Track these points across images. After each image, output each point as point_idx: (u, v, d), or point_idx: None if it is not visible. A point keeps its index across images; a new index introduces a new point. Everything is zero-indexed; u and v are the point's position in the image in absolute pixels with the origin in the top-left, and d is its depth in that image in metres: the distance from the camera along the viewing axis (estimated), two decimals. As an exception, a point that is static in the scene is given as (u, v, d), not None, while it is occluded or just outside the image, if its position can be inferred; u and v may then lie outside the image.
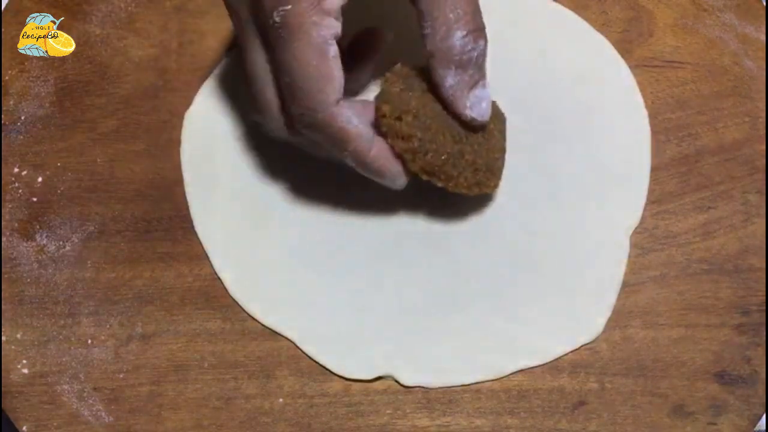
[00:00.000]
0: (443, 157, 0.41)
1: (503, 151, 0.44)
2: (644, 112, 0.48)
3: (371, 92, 0.45)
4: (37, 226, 0.46)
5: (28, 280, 0.45)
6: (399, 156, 0.41)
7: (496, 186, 0.44)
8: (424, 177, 0.42)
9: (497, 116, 0.44)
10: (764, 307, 0.44)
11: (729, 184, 0.46)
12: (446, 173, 0.41)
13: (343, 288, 0.45)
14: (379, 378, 0.43)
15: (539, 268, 0.45)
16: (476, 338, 0.44)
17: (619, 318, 0.44)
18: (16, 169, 0.47)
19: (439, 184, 0.42)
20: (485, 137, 0.42)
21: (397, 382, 0.43)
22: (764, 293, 0.44)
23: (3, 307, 0.45)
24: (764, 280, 0.44)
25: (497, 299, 0.44)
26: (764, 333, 0.43)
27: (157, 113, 0.48)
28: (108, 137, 0.48)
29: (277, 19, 0.37)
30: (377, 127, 0.41)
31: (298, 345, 0.44)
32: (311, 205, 0.46)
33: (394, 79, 0.42)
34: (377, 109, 0.41)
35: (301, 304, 0.44)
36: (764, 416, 0.43)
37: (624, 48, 0.49)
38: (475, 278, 0.45)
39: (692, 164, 0.47)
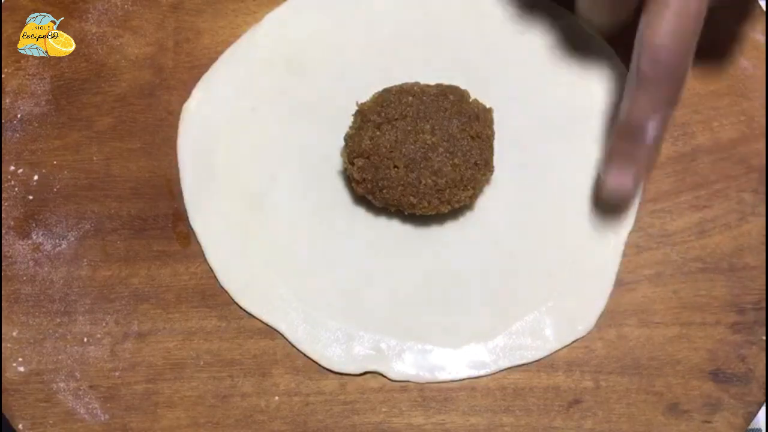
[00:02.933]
0: (399, 189, 0.43)
1: (482, 156, 0.43)
2: (640, 111, 0.48)
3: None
4: (33, 224, 0.46)
5: (24, 278, 0.45)
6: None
7: (471, 197, 0.44)
8: (392, 209, 0.44)
9: (475, 118, 0.44)
10: (759, 306, 0.44)
11: (724, 183, 0.46)
12: (408, 202, 0.43)
13: (335, 284, 0.45)
14: (366, 372, 0.43)
15: (532, 265, 0.45)
16: (467, 334, 0.44)
17: (614, 316, 0.44)
18: (12, 167, 0.47)
19: (407, 212, 0.44)
20: (450, 152, 0.43)
21: (384, 376, 0.43)
22: (758, 292, 0.44)
23: (-1, 305, 0.45)
24: (759, 279, 0.44)
25: (489, 296, 0.44)
26: (759, 331, 0.44)
27: (153, 111, 0.48)
28: (104, 135, 0.48)
29: None
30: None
31: (287, 338, 0.44)
32: (306, 202, 0.46)
33: (355, 117, 0.44)
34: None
35: (294, 299, 0.44)
36: (759, 414, 0.43)
37: (620, 47, 0.49)
38: (467, 275, 0.45)
39: (688, 163, 0.47)
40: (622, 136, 0.42)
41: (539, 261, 0.45)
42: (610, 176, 0.42)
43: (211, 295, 0.45)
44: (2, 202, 0.47)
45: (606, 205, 0.44)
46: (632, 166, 0.42)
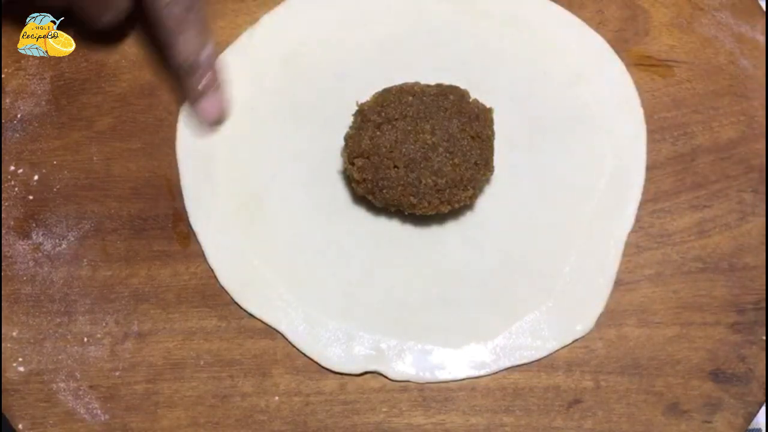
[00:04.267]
0: (399, 189, 0.43)
1: (482, 156, 0.44)
2: (640, 111, 0.48)
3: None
4: (33, 224, 0.46)
5: (24, 278, 0.45)
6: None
7: (470, 197, 0.44)
8: (392, 209, 0.44)
9: (475, 118, 0.44)
10: (759, 306, 0.44)
11: (724, 183, 0.46)
12: (408, 202, 0.43)
13: (334, 284, 0.45)
14: (366, 372, 0.43)
15: (532, 265, 0.45)
16: (467, 334, 0.44)
17: (614, 316, 0.44)
18: (12, 167, 0.47)
19: (407, 212, 0.44)
20: (451, 152, 0.43)
21: (384, 376, 0.43)
22: (758, 292, 0.44)
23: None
24: (759, 279, 0.44)
25: (489, 296, 0.44)
26: (759, 331, 0.44)
27: (153, 111, 0.48)
28: (104, 135, 0.48)
29: None
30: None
31: (287, 338, 0.44)
32: (306, 202, 0.46)
33: (355, 117, 0.44)
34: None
35: (293, 299, 0.44)
36: (759, 414, 0.43)
37: (620, 47, 0.49)
38: (467, 275, 0.45)
39: (688, 163, 0.47)
40: (187, 77, 0.45)
41: (539, 261, 0.45)
42: (203, 112, 0.46)
43: (211, 295, 0.45)
44: (2, 202, 0.47)
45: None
46: (214, 92, 0.46)
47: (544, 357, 0.43)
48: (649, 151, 0.47)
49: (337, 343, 0.44)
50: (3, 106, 0.48)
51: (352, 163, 0.44)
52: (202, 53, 0.45)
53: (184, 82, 0.46)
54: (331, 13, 0.50)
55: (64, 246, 0.46)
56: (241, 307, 0.45)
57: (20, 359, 0.44)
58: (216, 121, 0.46)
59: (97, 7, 0.44)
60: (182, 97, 0.48)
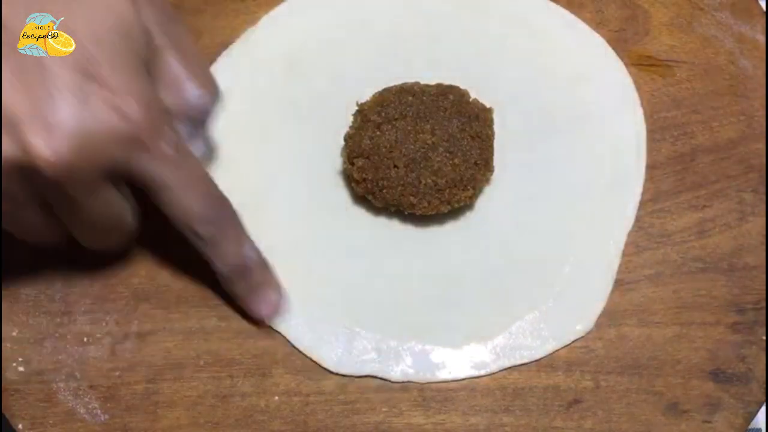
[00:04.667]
0: (399, 189, 0.43)
1: (482, 156, 0.44)
2: (640, 111, 0.48)
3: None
4: (33, 224, 0.46)
5: (24, 278, 0.45)
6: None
7: (471, 197, 0.44)
8: (392, 209, 0.44)
9: (475, 118, 0.44)
10: (759, 306, 0.44)
11: (724, 183, 0.46)
12: (408, 202, 0.43)
13: (335, 284, 0.45)
14: (366, 375, 0.43)
15: (532, 264, 0.45)
16: (467, 334, 0.44)
17: (614, 316, 0.44)
18: (12, 167, 0.47)
19: (407, 212, 0.44)
20: (451, 152, 0.43)
21: (385, 378, 0.43)
22: (758, 292, 0.44)
23: (-1, 305, 0.45)
24: (759, 279, 0.44)
25: (489, 296, 0.44)
26: (759, 331, 0.44)
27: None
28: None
29: None
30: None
31: (289, 339, 0.44)
32: (306, 202, 0.46)
33: (355, 117, 0.44)
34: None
35: (294, 300, 0.44)
36: (759, 414, 0.43)
37: (619, 47, 0.49)
38: (467, 275, 0.45)
39: (687, 163, 0.47)
40: (235, 279, 0.42)
41: (539, 261, 0.45)
42: (258, 310, 0.43)
43: (211, 295, 0.45)
44: (2, 202, 0.47)
45: None
46: (266, 290, 0.43)
47: (544, 357, 0.43)
48: (649, 151, 0.47)
49: (337, 343, 0.44)
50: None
51: (352, 163, 0.44)
52: (244, 254, 0.41)
53: (231, 288, 0.43)
54: (331, 13, 0.50)
55: (63, 245, 0.46)
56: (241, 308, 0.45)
57: (20, 359, 0.44)
58: (271, 319, 0.43)
59: (97, 238, 0.41)
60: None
